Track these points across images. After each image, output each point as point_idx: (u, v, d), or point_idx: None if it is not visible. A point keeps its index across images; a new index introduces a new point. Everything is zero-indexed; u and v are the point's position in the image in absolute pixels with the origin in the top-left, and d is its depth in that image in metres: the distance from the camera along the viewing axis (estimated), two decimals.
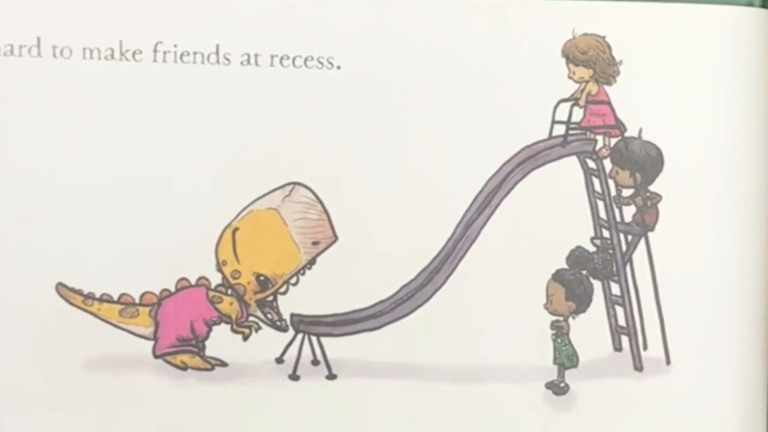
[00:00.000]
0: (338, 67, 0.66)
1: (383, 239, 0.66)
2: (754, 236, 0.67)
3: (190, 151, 0.65)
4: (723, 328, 0.66)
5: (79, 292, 0.66)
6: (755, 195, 0.67)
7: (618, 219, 0.67)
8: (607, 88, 0.67)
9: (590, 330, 0.67)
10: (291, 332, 0.67)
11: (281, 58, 0.66)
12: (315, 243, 0.66)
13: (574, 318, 0.67)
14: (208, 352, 0.67)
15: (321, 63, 0.66)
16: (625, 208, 0.67)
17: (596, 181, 0.67)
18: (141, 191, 0.65)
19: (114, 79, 0.65)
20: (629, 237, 0.67)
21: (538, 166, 0.66)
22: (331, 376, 0.67)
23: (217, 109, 0.66)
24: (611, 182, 0.67)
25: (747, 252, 0.66)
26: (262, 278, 0.67)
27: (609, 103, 0.67)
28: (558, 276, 0.66)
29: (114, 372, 0.66)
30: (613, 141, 0.67)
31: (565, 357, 0.67)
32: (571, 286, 0.66)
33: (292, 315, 0.67)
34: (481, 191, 0.66)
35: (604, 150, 0.67)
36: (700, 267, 0.66)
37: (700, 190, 0.66)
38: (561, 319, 0.67)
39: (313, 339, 0.67)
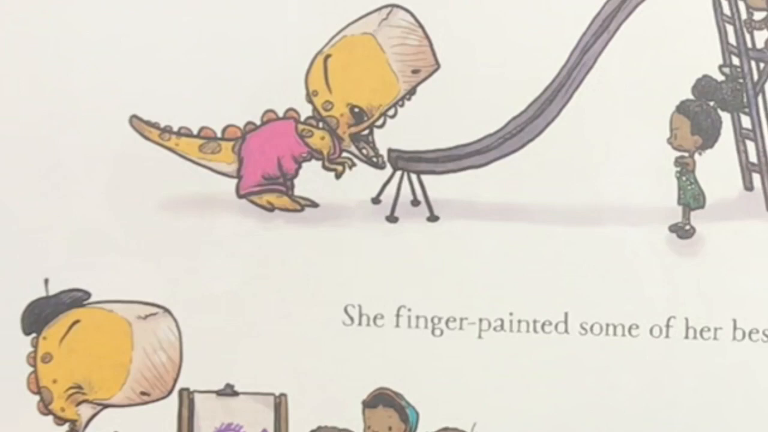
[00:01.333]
0: None
1: (490, 67, 0.60)
2: None
3: None
4: None
5: (155, 126, 0.60)
6: None
7: (749, 45, 0.61)
8: None
9: (718, 167, 0.61)
10: (388, 169, 0.61)
11: None
12: (415, 71, 0.60)
13: (700, 154, 0.60)
14: (297, 192, 0.61)
15: None
16: (756, 33, 0.61)
17: (725, 3, 0.60)
18: (222, 11, 0.59)
19: None
20: (761, 65, 0.61)
21: None
22: (433, 218, 0.61)
23: None
24: (742, 4, 0.60)
25: None
26: (356, 110, 0.60)
27: None
28: (683, 108, 0.60)
29: (194, 213, 0.61)
30: None
31: (691, 197, 0.60)
32: (698, 118, 0.60)
33: (390, 151, 0.61)
34: (598, 14, 0.60)
35: None
36: None
37: None
38: (686, 155, 0.60)
39: (413, 177, 0.60)
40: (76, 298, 0.61)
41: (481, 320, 0.61)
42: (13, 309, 0.61)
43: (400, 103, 0.60)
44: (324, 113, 0.60)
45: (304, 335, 0.61)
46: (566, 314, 0.61)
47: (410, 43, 0.60)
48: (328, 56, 0.60)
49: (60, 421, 0.61)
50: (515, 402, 0.61)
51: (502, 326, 0.61)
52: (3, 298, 0.61)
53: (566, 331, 0.61)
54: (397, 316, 0.61)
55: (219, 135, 0.60)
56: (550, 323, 0.61)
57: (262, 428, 0.62)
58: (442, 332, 0.61)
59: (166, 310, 0.61)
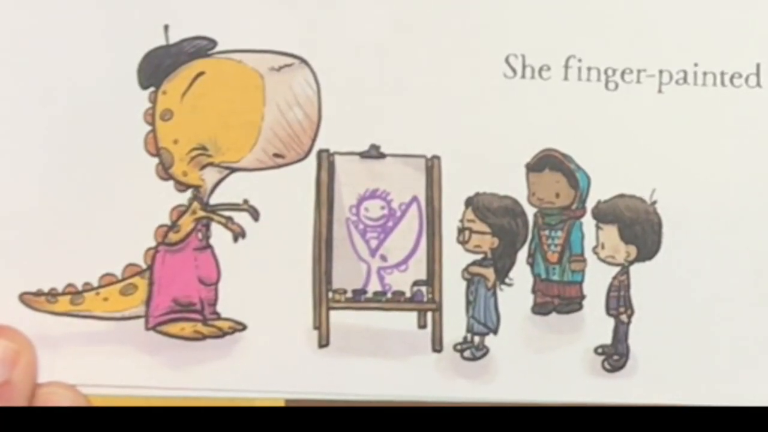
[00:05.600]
0: None
1: None
2: None
3: None
4: None
5: None
6: None
7: None
8: None
9: None
10: None
11: None
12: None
13: None
14: None
15: None
16: None
17: None
18: None
19: None
20: None
21: None
22: None
23: None
24: None
25: None
26: None
27: None
28: None
29: None
30: None
31: None
32: None
33: None
34: None
35: None
36: None
37: None
38: None
39: None
40: (200, 47, 0.54)
41: (661, 72, 0.53)
42: (128, 60, 0.53)
43: None
44: None
45: (460, 89, 0.54)
46: (758, 66, 0.53)
47: None
48: None
49: (182, 186, 0.54)
50: (700, 165, 0.54)
51: (685, 79, 0.53)
52: (117, 48, 0.53)
53: (758, 84, 0.53)
54: (566, 67, 0.53)
55: None
56: (740, 75, 0.53)
57: (412, 195, 0.54)
58: (617, 86, 0.53)
59: (303, 61, 0.54)
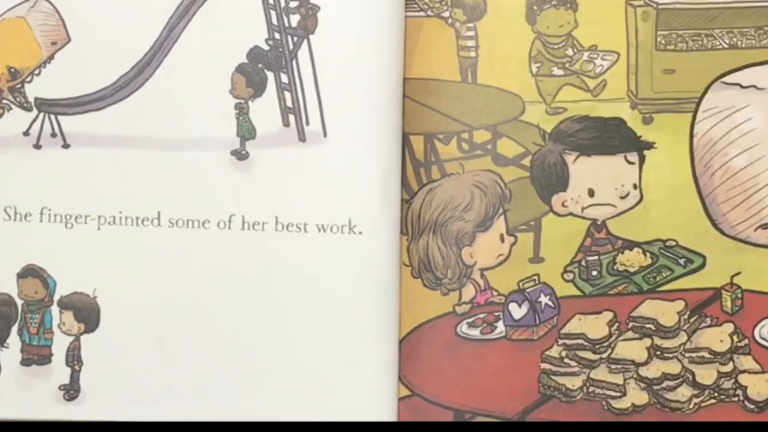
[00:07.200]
0: None
1: (105, 40, 0.86)
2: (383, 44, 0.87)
3: None
4: (366, 110, 0.87)
5: None
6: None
7: (286, 24, 0.87)
8: None
9: (265, 110, 0.87)
10: (35, 112, 0.87)
11: None
12: (53, 43, 0.86)
13: (253, 101, 0.87)
14: None
15: None
16: (291, 16, 0.87)
17: None
18: None
19: None
20: (295, 38, 0.87)
21: None
22: (66, 146, 0.87)
23: None
24: None
25: (381, 57, 0.87)
26: (12, 70, 0.87)
27: None
28: (240, 68, 0.87)
29: None
30: None
31: (246, 130, 0.87)
32: (251, 76, 0.87)
33: (36, 98, 0.87)
34: (182, 2, 0.86)
35: None
36: (350, 63, 0.87)
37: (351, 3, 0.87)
38: (242, 101, 0.87)
39: (52, 117, 0.87)
40: None
41: (100, 216, 0.87)
42: None
43: (43, 65, 0.87)
44: None
45: None
46: (159, 212, 0.87)
47: (50, 23, 0.86)
48: None
49: None
50: (136, 281, 0.86)
51: (114, 221, 0.87)
52: None
53: (159, 224, 0.87)
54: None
55: None
56: (148, 219, 0.87)
57: None
58: (72, 225, 0.87)
59: None
